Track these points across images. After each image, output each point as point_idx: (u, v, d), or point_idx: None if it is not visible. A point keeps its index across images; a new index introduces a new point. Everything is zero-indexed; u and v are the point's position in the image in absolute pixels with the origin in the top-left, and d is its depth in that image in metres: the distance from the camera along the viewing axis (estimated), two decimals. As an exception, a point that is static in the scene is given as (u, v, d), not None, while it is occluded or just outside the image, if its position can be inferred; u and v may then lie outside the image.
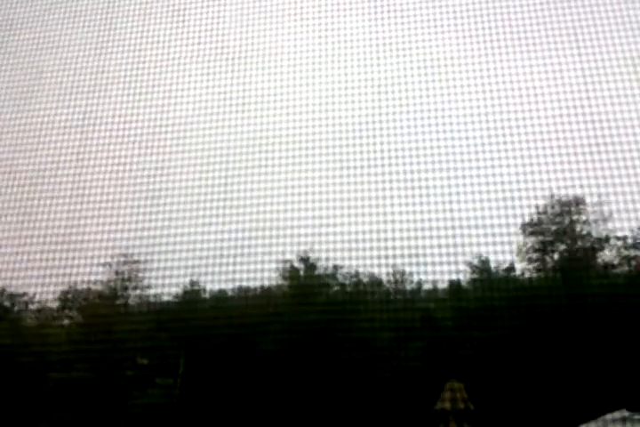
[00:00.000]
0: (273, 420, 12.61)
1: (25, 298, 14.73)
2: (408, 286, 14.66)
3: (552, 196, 14.34)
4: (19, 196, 13.89)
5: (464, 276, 14.63)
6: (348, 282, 14.46)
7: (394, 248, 13.19)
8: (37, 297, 14.31)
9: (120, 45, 14.75)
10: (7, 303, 14.93)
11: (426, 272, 12.81)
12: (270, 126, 14.26)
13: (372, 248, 13.16)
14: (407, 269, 13.94)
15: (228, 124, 14.38)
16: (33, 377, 12.92)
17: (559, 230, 15.40)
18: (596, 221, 14.52)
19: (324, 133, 14.14)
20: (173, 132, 14.30)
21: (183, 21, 14.54)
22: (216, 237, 13.38)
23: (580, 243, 15.39)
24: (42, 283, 13.03)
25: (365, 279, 14.43)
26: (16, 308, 14.92)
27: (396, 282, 14.54)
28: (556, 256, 15.45)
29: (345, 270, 14.22)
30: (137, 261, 13.84)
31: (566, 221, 15.30)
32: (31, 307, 14.70)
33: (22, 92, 14.65)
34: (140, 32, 14.56)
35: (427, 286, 14.69)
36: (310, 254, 14.15)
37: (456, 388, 11.65)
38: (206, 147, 14.33)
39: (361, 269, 13.84)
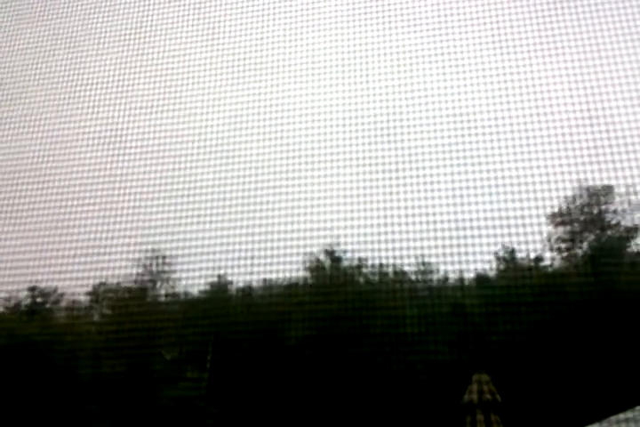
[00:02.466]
0: (300, 411, 12.73)
1: (56, 294, 15.11)
2: (434, 278, 14.62)
3: (580, 185, 14.14)
4: (48, 191, 14.16)
5: (491, 267, 14.55)
6: (373, 275, 14.47)
7: (419, 240, 13.14)
8: (68, 293, 14.67)
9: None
10: (39, 299, 15.34)
11: (452, 263, 12.76)
12: (293, 120, 14.31)
13: (397, 240, 13.13)
14: (433, 260, 13.88)
15: (252, 119, 14.45)
16: (65, 372, 13.24)
17: (588, 220, 15.18)
18: (625, 211, 14.29)
19: (348, 126, 14.14)
20: (195, 128, 14.42)
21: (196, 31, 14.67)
22: (242, 231, 13.50)
23: (609, 232, 15.16)
24: (72, 278, 13.31)
25: (391, 272, 14.41)
26: (48, 304, 15.31)
27: (422, 274, 14.49)
28: (585, 246, 15.25)
29: (370, 263, 14.22)
30: (165, 257, 14.04)
31: (595, 210, 15.08)
32: (62, 303, 15.09)
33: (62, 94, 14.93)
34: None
35: (453, 278, 14.68)
36: (335, 247, 14.18)
37: (483, 380, 11.61)
38: (231, 141, 14.43)
39: (386, 262, 13.80)
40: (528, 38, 13.43)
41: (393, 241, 13.55)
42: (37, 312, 15.09)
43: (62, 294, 14.76)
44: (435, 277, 14.83)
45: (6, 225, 13.87)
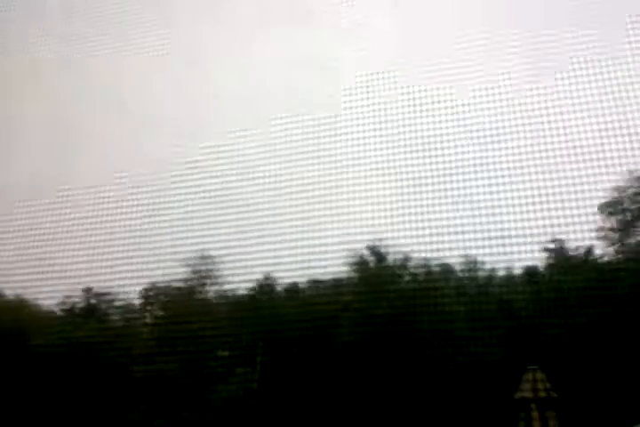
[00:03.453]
0: (348, 408, 12.74)
1: (110, 296, 15.47)
2: (482, 274, 14.43)
3: (631, 174, 13.72)
4: (100, 195, 14.48)
5: (540, 261, 14.25)
6: (419, 271, 14.35)
7: (465, 235, 12.98)
8: (121, 294, 15.01)
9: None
10: (94, 301, 15.73)
11: (500, 258, 12.57)
12: (337, 125, 14.31)
13: (442, 236, 13.00)
14: (480, 255, 13.69)
15: (297, 120, 14.48)
16: (119, 371, 13.55)
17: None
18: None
19: (391, 125, 14.07)
20: (240, 131, 14.54)
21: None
22: (287, 231, 13.58)
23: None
24: (125, 279, 13.62)
25: (437, 268, 14.27)
26: (102, 306, 15.69)
27: (468, 269, 14.32)
28: (638, 237, 14.78)
29: (416, 260, 14.12)
30: (212, 258, 14.25)
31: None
32: (116, 304, 15.44)
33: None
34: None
35: (501, 273, 14.44)
36: (380, 245, 14.14)
37: (537, 376, 11.41)
38: (276, 142, 14.51)
39: (432, 257, 13.69)
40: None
41: (437, 237, 13.44)
42: (92, 314, 15.49)
43: (115, 296, 15.14)
44: (482, 272, 14.66)
45: (60, 232, 14.29)
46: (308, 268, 13.20)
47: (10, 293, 15.50)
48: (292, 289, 14.52)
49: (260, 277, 14.41)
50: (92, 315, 15.54)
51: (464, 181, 13.01)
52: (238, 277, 14.03)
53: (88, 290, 15.50)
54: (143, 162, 14.60)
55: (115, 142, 15.34)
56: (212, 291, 14.93)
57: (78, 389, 13.74)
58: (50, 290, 14.73)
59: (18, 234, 14.17)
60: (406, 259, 14.27)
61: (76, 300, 15.62)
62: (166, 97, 15.37)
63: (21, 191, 14.75)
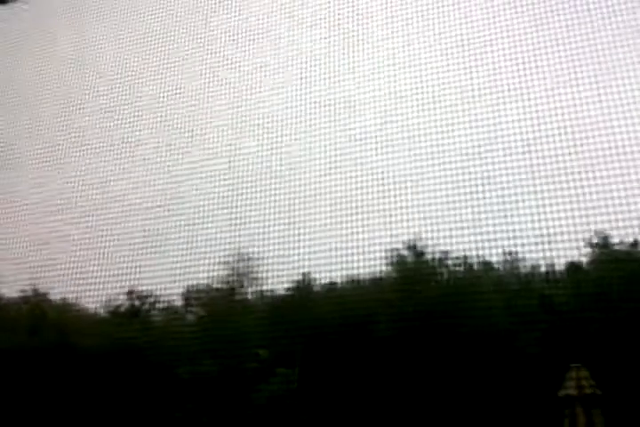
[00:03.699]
0: (389, 405, 12.77)
1: (151, 298, 15.82)
2: (522, 270, 14.21)
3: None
4: (141, 195, 14.80)
5: (584, 255, 13.94)
6: (458, 268, 14.24)
7: (504, 231, 12.79)
8: (163, 297, 15.33)
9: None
10: (137, 303, 16.11)
11: (541, 253, 12.33)
12: (374, 116, 14.26)
13: (481, 232, 12.84)
14: (520, 250, 13.45)
15: (334, 112, 14.49)
16: (163, 372, 13.88)
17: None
18: None
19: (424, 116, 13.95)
20: (274, 126, 14.64)
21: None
22: (323, 229, 13.63)
23: None
24: (165, 282, 13.90)
25: (476, 264, 14.12)
26: (144, 307, 16.05)
27: (508, 265, 14.12)
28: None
29: (454, 256, 14.00)
30: (250, 257, 14.41)
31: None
32: (158, 306, 15.78)
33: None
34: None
35: (542, 268, 14.18)
36: (418, 242, 14.06)
37: (581, 373, 11.22)
38: (309, 135, 14.56)
39: (471, 254, 13.53)
40: None
41: (476, 233, 13.28)
42: (136, 315, 15.86)
43: (157, 297, 15.46)
44: (523, 268, 14.44)
45: (102, 235, 14.66)
46: (346, 267, 13.25)
47: (55, 297, 16.05)
48: (331, 288, 14.58)
49: (298, 276, 14.52)
50: (135, 316, 15.94)
51: (505, 174, 12.83)
52: (277, 278, 14.18)
53: (131, 292, 15.91)
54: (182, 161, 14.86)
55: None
56: (251, 291, 15.14)
57: (125, 389, 14.13)
58: (94, 293, 15.20)
59: (62, 239, 14.60)
60: (445, 256, 14.17)
61: (120, 302, 16.08)
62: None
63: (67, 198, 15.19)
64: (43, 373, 14.35)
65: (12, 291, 15.89)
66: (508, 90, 13.53)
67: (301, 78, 14.47)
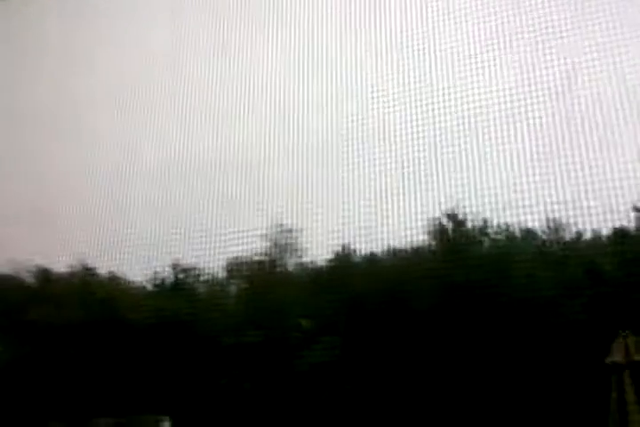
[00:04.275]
0: (432, 371, 12.76)
1: (195, 271, 16.09)
2: (567, 237, 13.89)
3: None
4: (184, 172, 14.96)
5: (630, 221, 13.53)
6: (499, 236, 14.02)
7: (547, 195, 12.48)
8: (206, 269, 15.59)
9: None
10: (182, 276, 16.42)
11: (586, 219, 12.01)
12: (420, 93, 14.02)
13: (522, 198, 12.56)
14: (564, 217, 13.13)
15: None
16: (209, 343, 14.18)
17: None
18: None
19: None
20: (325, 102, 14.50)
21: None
22: (362, 199, 13.57)
23: None
24: (209, 255, 14.10)
25: (518, 232, 13.88)
26: (189, 280, 16.36)
27: (552, 232, 13.83)
28: None
29: (495, 224, 13.78)
30: (290, 229, 14.50)
31: None
32: (202, 278, 16.06)
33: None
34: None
35: (588, 235, 13.84)
36: (458, 210, 13.87)
37: (629, 340, 11.01)
38: (353, 106, 14.42)
39: (512, 221, 13.29)
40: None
41: (518, 199, 12.99)
42: (181, 288, 16.18)
43: (201, 270, 15.73)
44: (567, 234, 14.12)
45: (149, 212, 14.92)
46: (386, 237, 13.21)
47: (103, 271, 16.49)
48: (371, 259, 14.57)
49: (338, 248, 14.56)
50: (181, 289, 16.26)
51: (546, 136, 12.46)
52: (317, 249, 14.26)
53: (176, 266, 16.22)
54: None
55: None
56: (292, 263, 15.26)
57: (172, 358, 14.50)
58: (140, 267, 15.56)
59: (108, 215, 14.91)
60: (486, 224, 13.96)
61: (165, 275, 16.41)
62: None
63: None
64: (94, 346, 14.80)
65: (60, 266, 16.41)
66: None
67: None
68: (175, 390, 14.02)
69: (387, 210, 13.69)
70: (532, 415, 12.27)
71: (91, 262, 16.18)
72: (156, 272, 16.23)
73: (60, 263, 16.14)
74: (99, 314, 15.68)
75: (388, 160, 13.58)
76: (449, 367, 12.80)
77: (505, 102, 12.93)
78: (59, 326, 15.17)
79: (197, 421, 13.87)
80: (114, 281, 16.50)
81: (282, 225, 14.46)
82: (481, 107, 13.44)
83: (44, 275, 16.94)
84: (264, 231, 14.58)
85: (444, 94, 13.66)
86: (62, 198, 16.21)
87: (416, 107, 13.85)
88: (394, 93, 14.15)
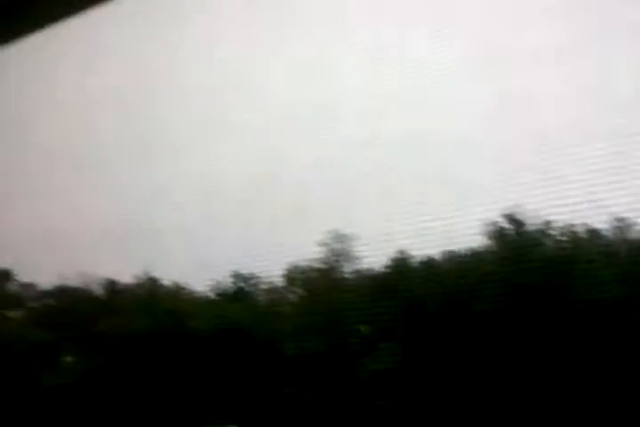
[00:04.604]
0: (496, 376, 12.47)
1: (255, 279, 16.31)
2: (634, 235, 13.30)
3: None
4: (240, 185, 15.24)
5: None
6: (562, 237, 13.56)
7: (611, 191, 12.04)
8: (265, 277, 15.78)
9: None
10: (242, 285, 16.66)
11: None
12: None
13: (585, 196, 12.16)
14: (630, 214, 12.61)
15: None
16: (269, 351, 14.30)
17: None
18: None
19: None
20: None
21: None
22: (417, 203, 13.45)
23: None
24: (267, 263, 14.29)
25: (583, 233, 13.39)
26: (249, 288, 16.59)
27: (618, 231, 13.28)
28: None
29: (558, 225, 13.35)
30: (346, 236, 14.51)
31: None
32: (261, 287, 16.26)
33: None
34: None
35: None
36: (517, 212, 13.52)
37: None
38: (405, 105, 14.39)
39: (576, 221, 12.86)
40: None
41: (580, 198, 12.57)
42: (242, 296, 16.42)
43: (260, 279, 15.93)
44: (634, 233, 13.52)
45: (205, 219, 15.26)
46: (444, 241, 13.04)
47: (167, 281, 16.91)
48: (429, 263, 14.39)
49: (394, 253, 14.46)
50: (242, 297, 16.50)
51: (610, 131, 12.06)
52: (374, 255, 14.19)
53: (236, 275, 16.46)
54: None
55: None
56: (349, 269, 15.24)
57: (235, 366, 14.70)
58: (202, 277, 15.90)
59: (172, 231, 15.34)
60: (547, 225, 13.55)
61: (226, 284, 16.69)
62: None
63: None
64: (161, 355, 15.18)
65: (127, 277, 16.92)
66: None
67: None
68: (242, 400, 14.20)
69: (443, 212, 13.54)
70: (608, 419, 11.85)
71: (155, 273, 16.66)
72: (217, 282, 16.57)
73: (126, 275, 16.70)
74: (164, 324, 16.10)
75: (439, 161, 13.42)
76: (515, 371, 12.49)
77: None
78: (127, 336, 15.66)
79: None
80: (178, 290, 16.92)
81: (338, 232, 14.51)
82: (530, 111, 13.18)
83: (112, 286, 17.52)
84: (321, 238, 14.67)
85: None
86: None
87: (462, 113, 13.72)
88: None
